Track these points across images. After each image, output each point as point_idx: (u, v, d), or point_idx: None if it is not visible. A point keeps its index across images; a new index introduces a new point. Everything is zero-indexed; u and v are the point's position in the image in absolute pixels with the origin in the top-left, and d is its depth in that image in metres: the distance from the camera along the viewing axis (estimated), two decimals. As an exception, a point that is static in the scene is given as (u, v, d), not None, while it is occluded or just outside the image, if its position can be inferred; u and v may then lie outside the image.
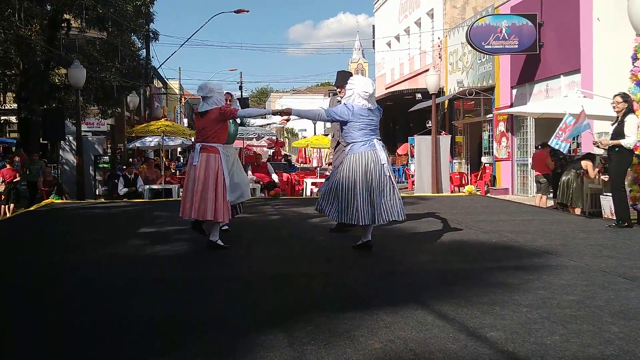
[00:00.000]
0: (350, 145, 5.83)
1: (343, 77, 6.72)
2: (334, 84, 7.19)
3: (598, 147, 8.10)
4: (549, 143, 9.58)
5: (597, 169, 10.35)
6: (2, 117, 32.33)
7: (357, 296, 4.31)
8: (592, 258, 5.49)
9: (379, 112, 5.96)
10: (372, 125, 5.84)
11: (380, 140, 5.91)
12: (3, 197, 14.31)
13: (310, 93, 63.55)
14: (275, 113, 6.58)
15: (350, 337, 3.33)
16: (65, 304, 4.30)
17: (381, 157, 5.74)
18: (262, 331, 3.48)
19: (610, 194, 8.30)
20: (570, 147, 9.95)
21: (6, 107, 29.27)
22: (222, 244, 6.06)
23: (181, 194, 6.22)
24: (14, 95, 23.24)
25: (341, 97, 6.62)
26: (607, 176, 9.21)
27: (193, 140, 6.94)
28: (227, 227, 6.79)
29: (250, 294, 4.49)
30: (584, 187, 10.58)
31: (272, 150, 31.83)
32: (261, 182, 14.31)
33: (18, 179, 14.67)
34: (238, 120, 7.30)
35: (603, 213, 9.94)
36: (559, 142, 9.16)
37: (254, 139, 27.02)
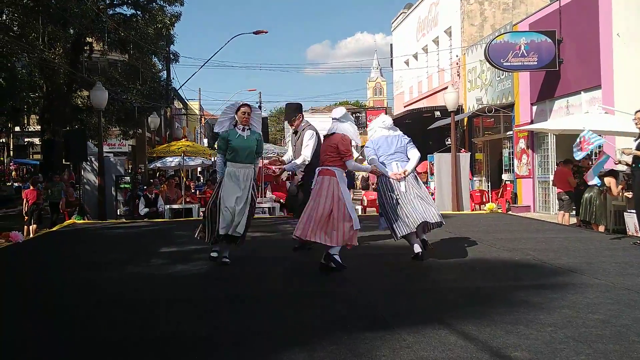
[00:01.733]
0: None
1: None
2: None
3: (618, 164, 8.02)
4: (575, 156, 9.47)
5: (620, 186, 10.22)
6: (26, 139, 32.86)
7: (378, 315, 4.27)
8: (617, 276, 5.40)
9: (400, 137, 6.69)
10: (391, 149, 6.57)
11: (403, 161, 6.53)
12: (26, 217, 14.50)
13: (328, 112, 63.75)
14: (373, 172, 6.71)
15: (372, 358, 3.30)
16: (88, 321, 4.33)
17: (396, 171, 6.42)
18: (282, 350, 3.47)
19: (634, 211, 8.18)
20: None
21: (30, 129, 29.79)
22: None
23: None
24: (38, 117, 23.67)
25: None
26: (630, 193, 9.09)
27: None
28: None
29: (270, 312, 4.48)
30: (607, 204, 10.45)
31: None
32: (280, 201, 14.34)
33: (42, 200, 14.89)
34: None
35: (627, 230, 9.80)
36: (581, 152, 9.06)
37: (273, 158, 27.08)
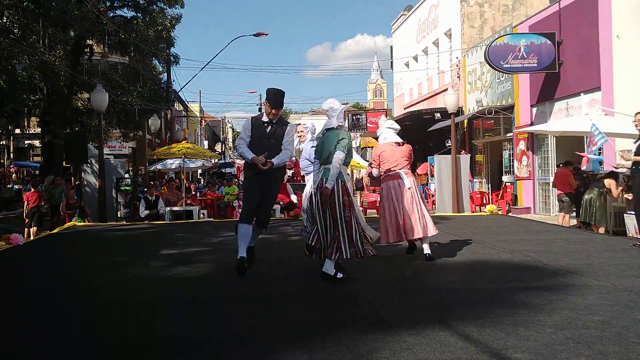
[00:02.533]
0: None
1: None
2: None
3: (617, 168, 8.04)
4: (588, 156, 9.44)
5: (620, 188, 10.23)
6: (27, 141, 32.86)
7: (379, 317, 4.28)
8: (617, 278, 5.41)
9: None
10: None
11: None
12: (27, 220, 14.51)
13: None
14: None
15: (372, 359, 3.31)
16: (90, 322, 4.34)
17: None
18: (283, 351, 3.48)
19: (634, 212, 8.19)
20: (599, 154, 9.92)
21: (30, 132, 29.80)
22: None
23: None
24: (38, 119, 23.69)
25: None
26: (630, 195, 9.10)
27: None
28: None
29: (271, 313, 4.49)
30: (607, 206, 10.45)
31: (291, 171, 31.89)
32: (281, 203, 14.34)
33: (42, 203, 14.89)
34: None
35: (627, 232, 9.80)
36: (595, 148, 9.07)
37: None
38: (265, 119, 6.11)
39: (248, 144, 6.05)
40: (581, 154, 11.14)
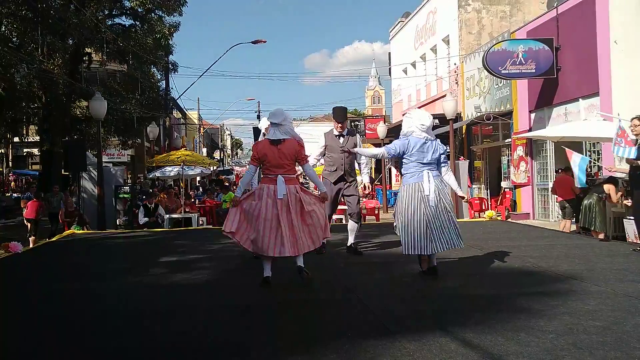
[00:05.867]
0: (403, 177, 6.08)
1: (344, 114, 7.39)
2: (335, 119, 7.33)
3: (610, 171, 8.02)
4: (616, 153, 9.21)
5: (619, 193, 10.23)
6: (25, 150, 32.87)
7: (380, 323, 4.27)
8: (618, 283, 5.40)
9: (437, 145, 6.03)
10: (425, 158, 5.93)
11: (434, 171, 5.98)
12: (30, 226, 14.51)
13: (327, 121, 63.82)
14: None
15: (374, 365, 3.30)
16: (91, 331, 4.33)
17: (425, 188, 5.83)
18: (283, 359, 3.46)
19: (633, 218, 8.19)
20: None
21: (29, 140, 29.81)
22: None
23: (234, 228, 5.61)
24: (37, 127, 23.70)
25: (339, 132, 7.28)
26: (629, 201, 9.10)
27: (248, 168, 6.08)
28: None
29: (272, 321, 4.48)
30: (607, 211, 10.45)
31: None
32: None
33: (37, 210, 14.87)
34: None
35: (627, 237, 9.80)
36: (621, 148, 8.85)
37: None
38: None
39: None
40: (567, 150, 11.01)
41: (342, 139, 7.27)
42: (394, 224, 6.40)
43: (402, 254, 5.98)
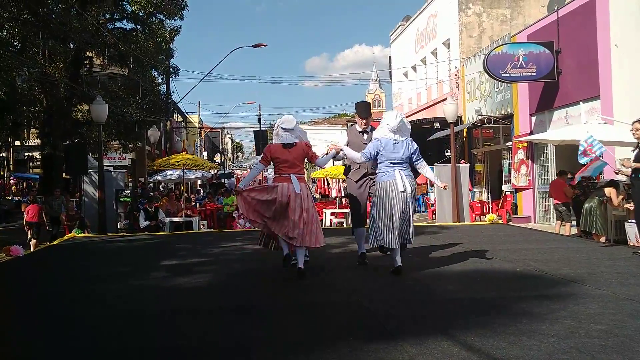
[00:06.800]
0: (377, 175, 6.35)
1: (367, 109, 7.13)
2: (358, 115, 7.03)
3: (618, 173, 8.03)
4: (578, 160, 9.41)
5: (620, 196, 10.22)
6: (26, 153, 32.88)
7: (381, 326, 4.26)
8: (620, 286, 5.39)
9: (407, 144, 6.31)
10: (396, 158, 6.21)
11: (405, 170, 6.25)
12: (30, 231, 14.50)
13: (327, 124, 63.92)
14: (330, 149, 6.82)
15: (375, 369, 3.29)
16: (93, 333, 4.33)
17: (399, 185, 6.09)
18: (286, 363, 3.46)
19: (634, 221, 8.18)
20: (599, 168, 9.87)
21: (30, 144, 29.82)
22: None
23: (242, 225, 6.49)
24: (38, 131, 23.69)
25: (362, 128, 6.97)
26: (631, 204, 9.09)
27: (262, 168, 6.90)
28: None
29: (273, 324, 4.47)
30: (608, 215, 10.44)
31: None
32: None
33: (43, 219, 14.87)
34: None
35: (628, 240, 9.79)
36: (585, 157, 8.97)
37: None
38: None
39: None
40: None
41: (365, 136, 6.92)
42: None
43: (369, 246, 6.40)
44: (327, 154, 6.70)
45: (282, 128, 6.32)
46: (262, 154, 6.68)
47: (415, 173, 6.60)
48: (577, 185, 12.07)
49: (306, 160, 6.51)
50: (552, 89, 15.68)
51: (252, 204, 6.19)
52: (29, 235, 14.62)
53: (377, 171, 6.34)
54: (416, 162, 6.40)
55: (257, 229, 6.54)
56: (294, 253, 6.34)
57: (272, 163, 6.48)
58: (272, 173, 6.87)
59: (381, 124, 6.39)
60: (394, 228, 6.05)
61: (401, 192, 6.07)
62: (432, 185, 17.99)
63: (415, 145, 6.40)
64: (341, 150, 6.60)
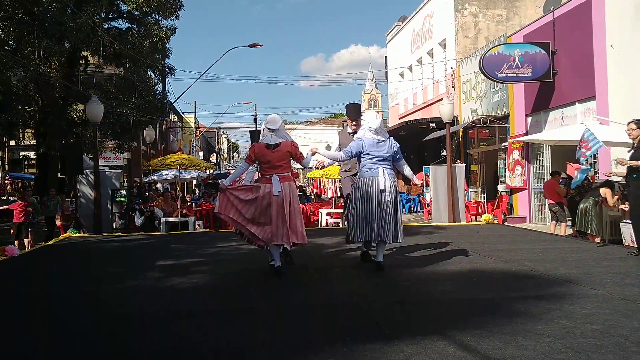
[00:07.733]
0: (359, 172, 6.49)
1: (356, 110, 7.25)
2: (348, 116, 7.31)
3: (610, 176, 8.05)
4: (576, 157, 9.51)
5: (616, 197, 10.24)
6: (21, 153, 32.79)
7: (377, 327, 4.26)
8: (615, 286, 5.41)
9: (390, 143, 6.50)
10: (380, 156, 6.39)
11: (389, 169, 6.42)
12: (12, 231, 14.37)
13: (323, 124, 63.94)
14: (314, 153, 6.88)
15: (371, 369, 3.29)
16: (88, 334, 4.31)
17: (380, 182, 6.25)
18: (282, 364, 3.46)
19: (630, 222, 8.20)
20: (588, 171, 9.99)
21: (25, 143, 29.75)
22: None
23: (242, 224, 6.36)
24: (33, 131, 23.64)
25: (353, 130, 7.09)
26: (626, 205, 9.11)
27: (249, 168, 6.99)
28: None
29: (269, 325, 4.47)
30: (604, 215, 10.46)
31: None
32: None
33: (25, 212, 14.47)
34: None
35: (623, 241, 9.81)
36: (582, 154, 9.04)
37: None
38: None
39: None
40: (573, 165, 11.18)
41: (356, 137, 6.92)
42: (345, 213, 6.87)
43: (349, 241, 6.65)
44: (308, 154, 6.77)
45: (267, 128, 6.38)
46: (247, 153, 6.77)
47: (396, 172, 6.70)
48: (573, 189, 12.09)
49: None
50: (548, 90, 15.71)
51: (234, 202, 6.25)
52: (13, 233, 14.42)
53: (360, 167, 6.45)
54: (397, 161, 6.62)
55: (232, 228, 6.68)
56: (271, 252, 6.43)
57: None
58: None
59: (362, 126, 6.60)
60: (371, 224, 6.24)
61: (381, 190, 6.25)
62: (428, 185, 17.98)
63: (398, 145, 6.61)
64: (316, 152, 6.74)
